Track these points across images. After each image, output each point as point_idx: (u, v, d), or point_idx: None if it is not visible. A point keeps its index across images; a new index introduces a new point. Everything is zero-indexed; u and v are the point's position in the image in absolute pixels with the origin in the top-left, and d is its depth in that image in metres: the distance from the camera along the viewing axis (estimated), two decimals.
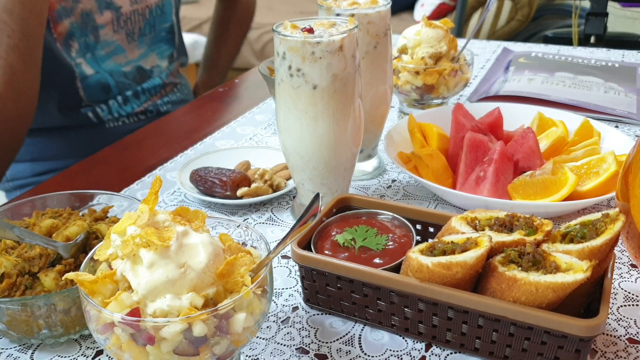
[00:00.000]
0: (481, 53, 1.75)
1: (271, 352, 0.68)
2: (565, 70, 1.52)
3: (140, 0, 1.48)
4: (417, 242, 0.74)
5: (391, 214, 0.78)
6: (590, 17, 2.25)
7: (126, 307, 0.53)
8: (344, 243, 0.73)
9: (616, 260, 0.80)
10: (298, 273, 0.77)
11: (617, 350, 0.67)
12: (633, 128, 1.22)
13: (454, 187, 0.97)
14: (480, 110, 1.13)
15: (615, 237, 0.61)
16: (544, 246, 0.62)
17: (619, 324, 0.71)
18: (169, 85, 1.64)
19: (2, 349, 0.70)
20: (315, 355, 0.68)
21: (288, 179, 1.02)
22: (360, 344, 0.69)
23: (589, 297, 0.65)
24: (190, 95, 1.74)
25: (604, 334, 0.69)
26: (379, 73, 0.99)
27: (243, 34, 1.96)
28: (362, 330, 0.71)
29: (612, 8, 2.92)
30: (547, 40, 2.64)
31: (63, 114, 1.43)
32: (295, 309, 0.75)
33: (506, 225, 0.67)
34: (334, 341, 0.70)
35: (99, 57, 1.44)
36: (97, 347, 0.70)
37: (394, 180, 1.05)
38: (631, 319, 0.72)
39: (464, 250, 0.60)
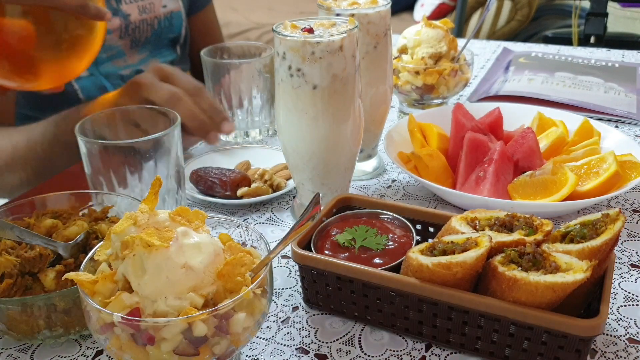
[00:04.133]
0: (481, 53, 1.75)
1: (271, 352, 0.68)
2: (565, 70, 1.52)
3: (149, 10, 1.48)
4: (417, 242, 0.74)
5: (391, 214, 0.78)
6: (590, 17, 2.25)
7: (126, 307, 0.53)
8: (344, 243, 0.73)
9: (616, 260, 0.80)
10: (298, 273, 0.77)
11: (617, 350, 0.67)
12: (633, 128, 1.22)
13: (454, 187, 0.97)
14: (480, 110, 1.13)
15: (615, 237, 0.61)
16: (544, 246, 0.62)
17: (619, 324, 0.71)
18: None
19: (2, 349, 0.70)
20: (315, 355, 0.68)
21: (288, 179, 1.02)
22: (360, 344, 0.69)
23: (589, 297, 0.65)
24: None
25: (604, 334, 0.69)
26: (379, 73, 0.99)
27: None
28: (362, 330, 0.71)
29: (612, 8, 2.92)
30: (547, 40, 2.64)
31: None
32: (295, 309, 0.75)
33: (506, 225, 0.67)
34: (334, 341, 0.70)
35: (98, 60, 1.43)
36: (97, 347, 0.70)
37: (394, 180, 1.05)
38: (631, 319, 0.71)
39: (464, 250, 0.60)
